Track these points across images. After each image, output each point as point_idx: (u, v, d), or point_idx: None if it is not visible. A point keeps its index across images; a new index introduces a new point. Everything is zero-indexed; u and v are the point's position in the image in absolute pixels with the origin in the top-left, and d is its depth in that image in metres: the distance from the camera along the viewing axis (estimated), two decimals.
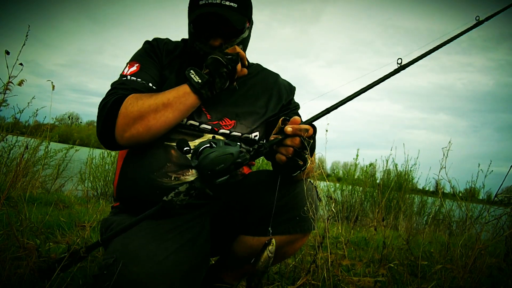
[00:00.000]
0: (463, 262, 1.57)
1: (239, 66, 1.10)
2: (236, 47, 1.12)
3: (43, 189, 4.16)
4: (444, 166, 1.64)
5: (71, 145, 4.42)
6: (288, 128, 0.96)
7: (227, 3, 1.12)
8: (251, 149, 0.99)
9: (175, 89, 1.09)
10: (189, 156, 1.02)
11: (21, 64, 1.71)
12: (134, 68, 1.16)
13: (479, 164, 2.84)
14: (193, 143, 1.17)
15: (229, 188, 1.21)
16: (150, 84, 1.15)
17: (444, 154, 1.65)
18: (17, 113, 2.47)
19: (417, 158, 5.01)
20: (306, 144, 0.97)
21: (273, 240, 0.97)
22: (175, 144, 1.15)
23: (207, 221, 1.19)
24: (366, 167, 5.49)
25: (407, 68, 1.11)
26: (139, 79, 1.14)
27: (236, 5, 1.13)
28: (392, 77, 1.10)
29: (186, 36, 1.30)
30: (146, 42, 1.28)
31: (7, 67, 1.68)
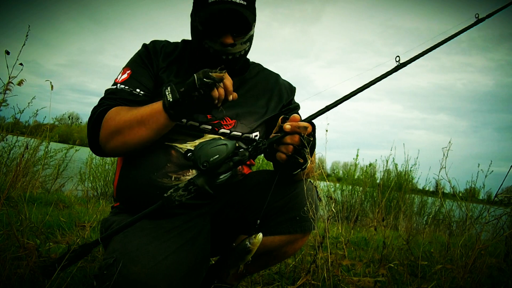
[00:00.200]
0: (463, 262, 1.57)
1: (215, 92, 0.99)
2: (226, 73, 1.02)
3: (43, 189, 4.16)
4: (444, 166, 1.64)
5: (71, 145, 4.42)
6: (287, 126, 0.96)
7: (238, 0, 1.12)
8: (249, 146, 0.99)
9: (151, 105, 1.05)
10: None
11: (21, 64, 1.71)
12: (125, 76, 1.19)
13: (479, 164, 2.84)
14: (193, 143, 1.17)
15: (229, 188, 1.21)
16: (138, 90, 1.17)
17: (444, 154, 1.65)
18: (17, 113, 2.48)
19: (417, 158, 5.02)
20: (306, 142, 0.96)
21: (259, 235, 0.98)
22: (175, 144, 1.15)
23: (207, 221, 1.19)
24: (366, 167, 5.50)
25: (407, 68, 1.11)
26: (127, 87, 1.16)
27: (245, 3, 1.14)
28: (392, 77, 1.10)
29: (186, 36, 1.30)
30: (143, 46, 1.28)
31: (7, 67, 1.68)
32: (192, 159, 0.94)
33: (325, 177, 1.54)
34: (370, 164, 5.45)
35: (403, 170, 5.02)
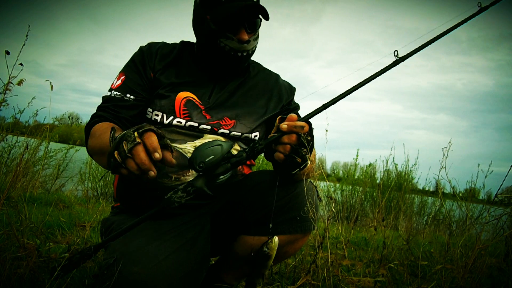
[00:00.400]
0: (463, 262, 1.57)
1: (123, 170, 0.85)
2: (147, 134, 0.85)
3: (43, 189, 4.16)
4: (444, 166, 1.64)
5: (71, 145, 4.42)
6: (284, 125, 0.96)
7: None
8: (246, 147, 0.99)
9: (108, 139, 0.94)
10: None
11: (21, 64, 1.71)
12: (119, 82, 1.23)
13: (479, 164, 2.84)
14: (193, 144, 1.17)
15: (230, 188, 1.21)
16: (129, 95, 1.20)
17: (444, 154, 1.65)
18: (17, 113, 2.48)
19: (417, 158, 5.02)
20: (304, 141, 0.96)
21: (275, 238, 0.97)
22: (175, 144, 1.15)
23: (207, 221, 1.19)
24: (366, 167, 5.50)
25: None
26: (118, 93, 1.20)
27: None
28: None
29: (186, 36, 1.30)
30: (138, 49, 1.28)
31: (7, 67, 1.68)
32: (189, 161, 0.94)
33: (325, 177, 1.54)
34: (370, 164, 5.45)
35: (403, 170, 5.02)
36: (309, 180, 1.21)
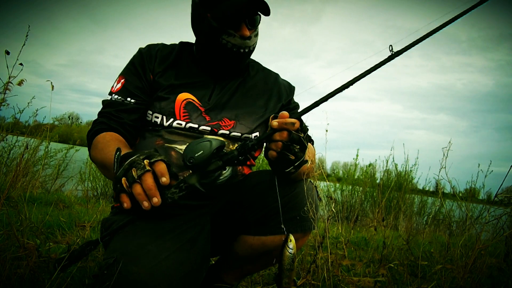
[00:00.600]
0: (463, 262, 1.57)
1: (123, 197, 0.87)
2: (158, 163, 0.90)
3: (43, 189, 4.16)
4: (444, 166, 1.64)
5: (71, 145, 4.43)
6: (274, 122, 0.97)
7: None
8: (237, 145, 1.00)
9: (112, 154, 0.95)
10: None
11: (21, 64, 1.71)
12: (119, 85, 1.23)
13: (479, 164, 2.84)
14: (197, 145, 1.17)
15: (230, 188, 1.21)
16: (129, 99, 1.21)
17: (444, 154, 1.65)
18: (17, 113, 2.48)
19: (417, 158, 5.03)
20: (295, 137, 0.97)
21: (291, 236, 0.97)
22: (175, 146, 1.16)
23: (207, 221, 1.19)
24: (366, 167, 5.50)
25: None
26: (119, 97, 1.21)
27: None
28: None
29: (186, 36, 1.30)
30: (137, 52, 1.28)
31: (7, 67, 1.68)
32: (182, 157, 0.96)
33: (325, 177, 1.54)
34: (370, 164, 5.45)
35: (403, 170, 5.02)
36: (309, 180, 1.21)
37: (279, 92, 1.35)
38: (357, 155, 5.39)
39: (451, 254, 2.07)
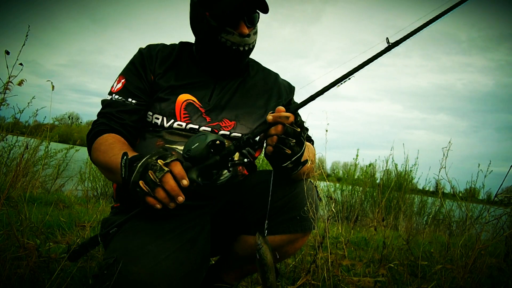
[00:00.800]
0: (463, 262, 1.57)
1: (150, 199, 0.89)
2: (174, 163, 0.92)
3: (43, 189, 4.16)
4: (444, 166, 1.64)
5: (71, 145, 4.42)
6: (269, 117, 0.98)
7: None
8: (234, 142, 1.00)
9: (118, 157, 0.98)
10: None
11: (21, 64, 1.71)
12: (119, 85, 1.22)
13: (479, 164, 2.85)
14: (193, 142, 1.17)
15: (230, 188, 1.21)
16: (130, 100, 1.20)
17: (444, 154, 1.65)
18: (17, 113, 2.48)
19: (417, 158, 5.03)
20: (290, 131, 0.97)
21: (256, 235, 0.98)
22: (175, 146, 1.15)
23: (207, 221, 1.19)
24: (366, 167, 5.50)
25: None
26: (120, 97, 1.20)
27: None
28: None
29: (187, 36, 1.30)
30: (138, 52, 1.28)
31: (7, 67, 1.68)
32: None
33: (325, 177, 1.54)
34: (370, 164, 5.45)
35: (403, 170, 5.02)
36: (309, 180, 1.21)
37: (279, 92, 1.35)
38: (357, 155, 5.39)
39: (451, 254, 2.07)
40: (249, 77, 1.33)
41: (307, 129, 1.36)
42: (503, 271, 2.02)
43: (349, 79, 1.03)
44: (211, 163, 0.96)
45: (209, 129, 1.19)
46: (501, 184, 1.59)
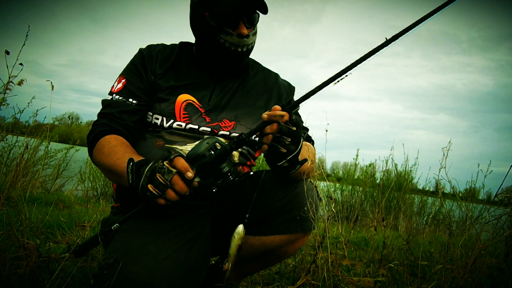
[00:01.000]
0: (463, 262, 1.57)
1: (161, 200, 0.91)
2: (177, 159, 0.94)
3: (43, 189, 4.16)
4: (444, 166, 1.64)
5: (71, 145, 4.42)
6: (264, 115, 0.99)
7: None
8: (231, 141, 1.01)
9: (123, 161, 0.99)
10: None
11: (21, 64, 1.71)
12: (120, 85, 1.22)
13: (479, 164, 2.85)
14: (193, 145, 1.17)
15: (230, 188, 1.21)
16: (131, 100, 1.20)
17: (444, 154, 1.65)
18: (17, 113, 2.48)
19: (416, 158, 5.02)
20: (284, 129, 0.98)
21: (239, 226, 1.02)
22: (175, 146, 1.16)
23: (207, 221, 1.19)
24: (366, 167, 5.50)
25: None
26: (121, 98, 1.20)
27: None
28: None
29: (187, 36, 1.30)
30: (138, 52, 1.28)
31: (7, 67, 1.68)
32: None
33: (325, 177, 1.54)
34: (370, 164, 5.45)
35: (403, 170, 5.02)
36: (309, 180, 1.21)
37: (279, 92, 1.35)
38: (357, 155, 5.39)
39: (451, 254, 2.07)
40: (249, 77, 1.33)
41: (307, 129, 1.36)
42: (503, 271, 2.02)
43: (346, 76, 1.03)
44: (208, 161, 0.97)
45: (209, 129, 1.19)
46: (501, 184, 1.59)
